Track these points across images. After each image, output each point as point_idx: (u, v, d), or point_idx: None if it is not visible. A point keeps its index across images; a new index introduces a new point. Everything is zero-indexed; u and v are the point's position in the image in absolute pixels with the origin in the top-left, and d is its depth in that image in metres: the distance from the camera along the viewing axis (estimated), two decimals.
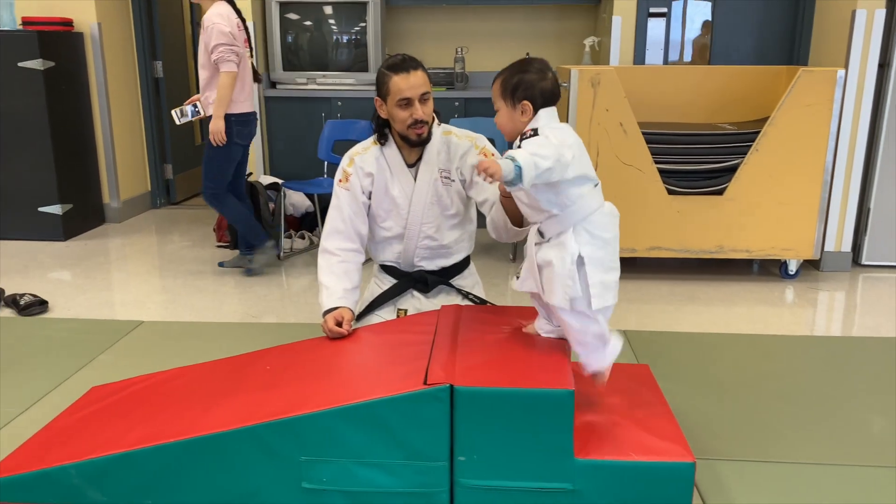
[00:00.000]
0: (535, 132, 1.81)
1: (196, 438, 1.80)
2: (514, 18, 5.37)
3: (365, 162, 2.37)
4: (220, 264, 4.16)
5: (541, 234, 1.88)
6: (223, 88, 3.66)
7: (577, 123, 3.72)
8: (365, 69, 4.99)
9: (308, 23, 5.04)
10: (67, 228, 4.79)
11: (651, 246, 3.89)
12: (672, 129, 3.84)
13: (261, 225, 4.08)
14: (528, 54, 2.59)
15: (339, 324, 2.23)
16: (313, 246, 4.63)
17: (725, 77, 4.15)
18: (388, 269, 2.52)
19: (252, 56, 3.94)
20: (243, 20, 3.82)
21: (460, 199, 2.40)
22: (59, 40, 4.67)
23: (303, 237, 4.63)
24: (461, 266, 2.52)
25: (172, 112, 3.90)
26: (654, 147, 3.77)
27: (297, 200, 4.77)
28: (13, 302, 3.49)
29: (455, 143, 2.37)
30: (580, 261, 1.79)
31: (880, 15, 3.80)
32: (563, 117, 3.65)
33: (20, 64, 4.46)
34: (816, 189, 3.78)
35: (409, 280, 2.48)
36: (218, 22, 3.62)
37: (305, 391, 1.89)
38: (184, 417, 1.93)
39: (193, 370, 2.29)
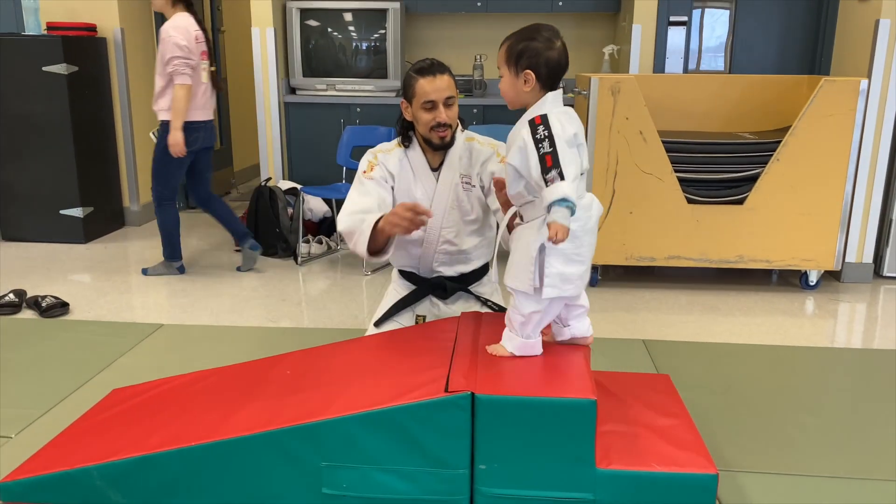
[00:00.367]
0: (543, 120, 1.76)
1: (217, 442, 1.81)
2: None
3: (388, 161, 2.37)
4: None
5: (520, 217, 1.91)
6: (178, 101, 3.73)
7: (597, 131, 3.72)
8: (384, 76, 5.01)
9: (328, 29, 5.07)
10: (88, 231, 4.84)
11: (670, 255, 3.87)
12: (692, 138, 3.82)
13: (179, 248, 4.12)
14: None
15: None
16: (331, 251, 4.65)
17: (746, 86, 4.13)
18: (406, 276, 2.52)
19: (213, 65, 3.99)
20: (204, 30, 3.88)
21: (480, 206, 2.39)
22: (82, 45, 4.73)
23: (320, 242, 4.64)
24: (480, 273, 2.51)
25: (150, 134, 4.00)
26: (673, 156, 3.75)
27: (315, 205, 4.79)
28: (35, 304, 3.52)
29: (477, 148, 2.37)
30: (541, 248, 1.78)
31: None
32: (583, 125, 3.64)
33: (45, 68, 4.52)
34: (838, 200, 3.75)
35: (427, 286, 2.47)
36: (174, 35, 3.70)
37: (326, 397, 1.89)
38: (205, 421, 1.94)
39: (214, 374, 2.30)
